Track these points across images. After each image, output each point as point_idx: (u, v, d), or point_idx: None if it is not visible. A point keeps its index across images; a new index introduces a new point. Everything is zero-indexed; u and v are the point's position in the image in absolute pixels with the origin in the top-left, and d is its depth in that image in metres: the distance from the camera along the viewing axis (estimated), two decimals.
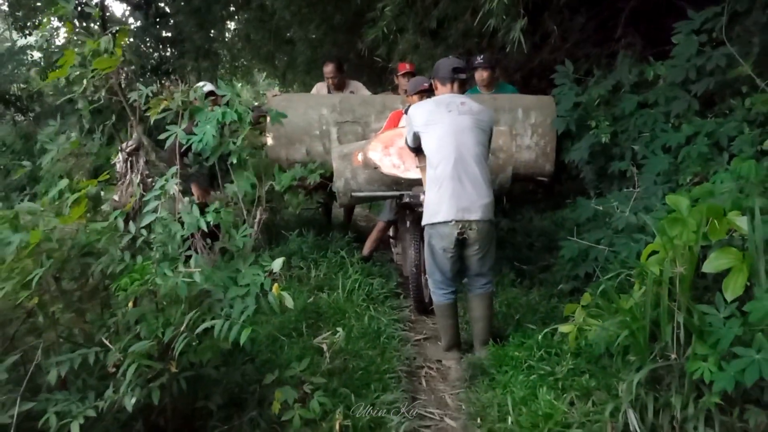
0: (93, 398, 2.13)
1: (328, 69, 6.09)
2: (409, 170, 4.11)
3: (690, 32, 4.29)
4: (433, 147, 3.49)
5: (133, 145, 3.02)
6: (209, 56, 10.86)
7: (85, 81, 2.81)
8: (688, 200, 2.99)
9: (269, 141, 5.10)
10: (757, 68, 3.95)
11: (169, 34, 10.96)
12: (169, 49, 11.00)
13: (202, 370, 2.57)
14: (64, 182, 2.63)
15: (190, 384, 2.44)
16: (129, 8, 11.58)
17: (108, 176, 2.80)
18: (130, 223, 2.43)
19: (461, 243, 3.42)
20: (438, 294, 3.61)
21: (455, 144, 3.43)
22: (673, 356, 2.54)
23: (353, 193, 4.35)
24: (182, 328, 2.24)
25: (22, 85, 11.36)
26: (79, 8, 10.73)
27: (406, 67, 6.05)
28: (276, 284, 2.48)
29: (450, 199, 3.37)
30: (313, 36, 10.03)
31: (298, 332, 3.53)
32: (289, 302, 2.42)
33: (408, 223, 4.40)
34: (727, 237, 2.79)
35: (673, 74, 4.40)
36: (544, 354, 3.19)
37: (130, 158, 3.03)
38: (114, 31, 2.94)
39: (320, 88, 6.35)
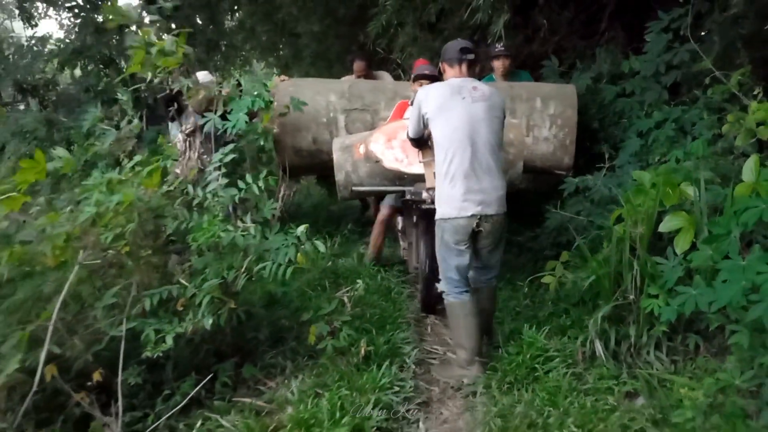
0: (177, 322, 2.74)
1: (359, 67, 5.97)
2: (412, 165, 3.95)
3: (660, 31, 4.89)
4: (446, 137, 3.30)
5: (191, 128, 3.60)
6: (219, 48, 11.41)
7: (150, 74, 3.39)
8: (650, 175, 3.61)
9: (275, 128, 4.74)
10: (717, 62, 4.54)
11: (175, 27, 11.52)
12: None
13: (252, 308, 3.19)
14: (138, 158, 3.21)
15: (244, 318, 3.05)
16: (141, 2, 12.03)
17: (170, 154, 3.38)
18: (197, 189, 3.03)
19: (474, 236, 3.30)
20: (454, 294, 3.37)
21: (470, 135, 3.27)
22: (632, 297, 3.17)
23: (354, 187, 4.22)
24: (242, 270, 2.85)
25: (38, 76, 11.87)
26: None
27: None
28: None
29: (466, 193, 3.23)
30: (318, 29, 10.55)
31: (321, 288, 4.15)
32: (320, 247, 3.02)
33: (415, 218, 4.24)
34: (679, 203, 3.41)
35: (646, 68, 5.00)
36: (529, 302, 3.82)
37: (188, 138, 3.61)
38: (176, 33, 3.52)
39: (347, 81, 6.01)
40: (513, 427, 2.66)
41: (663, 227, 3.29)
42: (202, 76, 4.61)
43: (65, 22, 12.67)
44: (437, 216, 3.36)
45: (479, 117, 3.30)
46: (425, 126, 3.47)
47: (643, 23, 5.21)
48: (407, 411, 2.87)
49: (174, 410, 2.61)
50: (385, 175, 4.09)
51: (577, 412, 2.65)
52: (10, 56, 11.21)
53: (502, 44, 5.45)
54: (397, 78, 7.80)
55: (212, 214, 3.01)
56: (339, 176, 4.21)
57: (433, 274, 3.85)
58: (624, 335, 3.15)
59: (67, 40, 11.28)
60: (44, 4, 13.51)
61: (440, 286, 3.47)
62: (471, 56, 3.44)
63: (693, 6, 4.63)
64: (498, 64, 5.56)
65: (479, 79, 3.53)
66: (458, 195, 3.23)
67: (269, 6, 10.87)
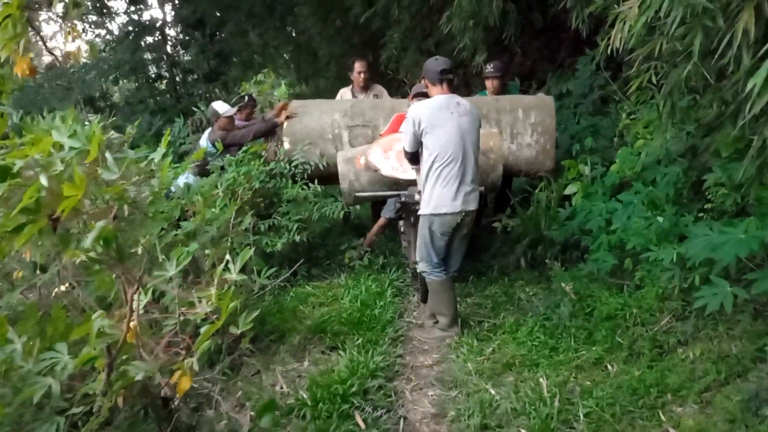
0: (278, 238, 4.83)
1: (359, 65, 6.26)
2: (406, 172, 4.54)
3: (586, 63, 6.98)
4: (441, 146, 3.85)
5: None
6: (252, 67, 13.62)
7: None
8: (566, 161, 5.67)
9: (286, 145, 5.38)
10: (622, 87, 6.59)
11: (215, 48, 13.70)
12: (216, 60, 13.68)
13: (315, 239, 5.29)
14: (245, 148, 5.30)
15: (312, 242, 5.16)
16: (182, 27, 14.19)
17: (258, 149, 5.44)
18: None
19: (456, 227, 4.01)
20: (436, 273, 4.09)
21: (463, 146, 3.87)
22: (543, 231, 5.24)
23: (357, 194, 4.84)
24: (313, 211, 4.95)
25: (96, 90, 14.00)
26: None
27: None
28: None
29: (457, 192, 3.87)
30: (337, 52, 12.60)
31: (350, 236, 6.22)
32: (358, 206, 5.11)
33: (412, 219, 4.61)
34: (578, 176, 5.48)
35: (578, 88, 7.09)
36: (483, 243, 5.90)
37: None
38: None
39: (344, 93, 6.51)
40: (463, 292, 4.81)
41: (567, 191, 5.34)
42: (219, 105, 5.82)
43: (107, 38, 14.85)
44: (426, 211, 3.97)
45: (467, 129, 3.92)
46: (419, 139, 3.97)
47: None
48: (407, 289, 5.00)
49: (279, 280, 4.68)
50: (383, 182, 4.76)
51: (498, 288, 4.76)
52: (76, 73, 13.32)
53: (492, 65, 6.13)
54: (405, 94, 9.75)
55: (293, 180, 5.12)
56: (343, 185, 4.87)
57: None
58: (537, 254, 5.22)
59: (125, 59, 13.47)
60: (92, 27, 15.76)
61: (420, 267, 4.19)
62: (450, 76, 4.00)
63: (603, 46, 6.68)
64: (489, 84, 6.17)
65: (453, 91, 4.05)
66: (451, 195, 3.88)
67: (293, 29, 13.00)
